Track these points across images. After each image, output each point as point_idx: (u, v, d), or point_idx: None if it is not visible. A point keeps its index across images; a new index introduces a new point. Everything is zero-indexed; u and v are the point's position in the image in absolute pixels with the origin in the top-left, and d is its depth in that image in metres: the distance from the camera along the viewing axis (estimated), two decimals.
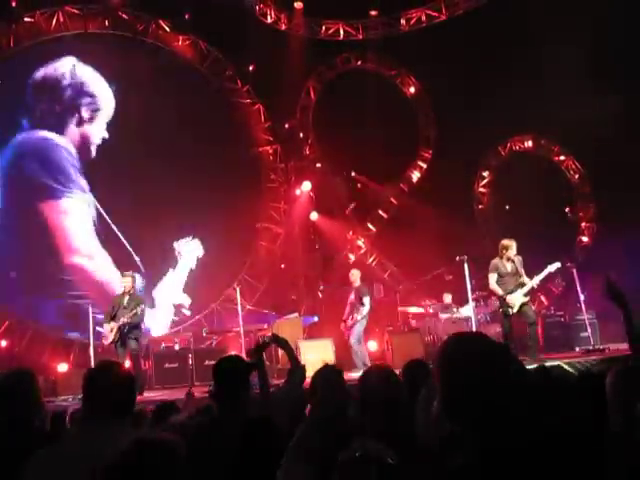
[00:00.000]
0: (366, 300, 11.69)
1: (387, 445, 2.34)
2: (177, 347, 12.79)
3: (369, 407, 3.15)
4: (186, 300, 14.44)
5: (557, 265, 10.48)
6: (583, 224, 16.90)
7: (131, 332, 10.24)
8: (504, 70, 14.96)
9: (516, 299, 9.93)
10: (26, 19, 13.61)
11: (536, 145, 17.33)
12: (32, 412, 3.59)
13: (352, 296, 11.91)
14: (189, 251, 14.60)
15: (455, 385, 1.93)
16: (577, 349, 11.94)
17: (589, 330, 11.56)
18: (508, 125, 16.26)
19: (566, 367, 9.40)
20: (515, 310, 9.94)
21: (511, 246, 10.15)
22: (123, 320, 10.12)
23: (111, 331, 10.20)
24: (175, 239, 14.35)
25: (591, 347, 11.29)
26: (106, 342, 10.41)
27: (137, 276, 10.84)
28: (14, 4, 13.38)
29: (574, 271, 11.87)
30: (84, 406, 3.05)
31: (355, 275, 12.04)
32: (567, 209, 15.33)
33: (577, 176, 17.11)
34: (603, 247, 15.51)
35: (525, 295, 9.99)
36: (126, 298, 10.41)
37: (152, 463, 2.19)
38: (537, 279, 10.28)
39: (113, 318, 10.26)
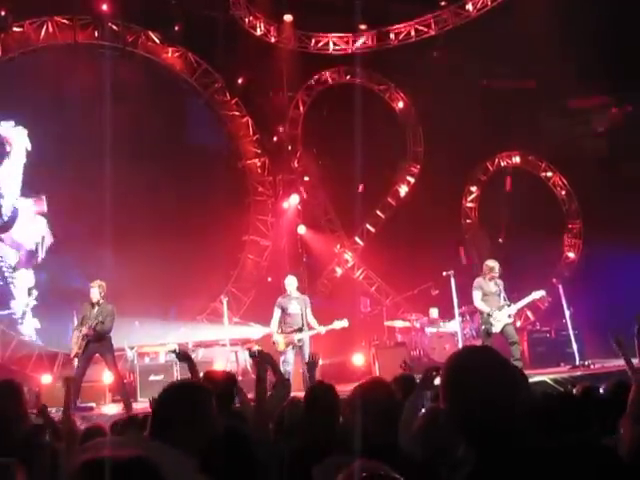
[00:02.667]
0: (310, 312, 10.54)
1: (383, 458, 2.35)
2: (162, 359, 12.70)
3: (370, 420, 3.16)
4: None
5: (542, 293, 10.83)
6: (569, 240, 16.99)
7: (100, 345, 9.94)
8: (491, 85, 15.12)
9: (500, 319, 10.11)
10: (15, 29, 13.56)
11: (523, 161, 17.42)
12: (15, 425, 3.55)
13: (292, 307, 10.53)
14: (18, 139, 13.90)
15: (464, 399, 1.94)
16: (563, 365, 11.96)
17: (575, 346, 11.59)
18: (496, 140, 16.39)
19: (551, 383, 9.43)
20: (497, 330, 10.12)
21: (495, 267, 10.40)
22: (85, 330, 9.82)
23: (75, 343, 9.95)
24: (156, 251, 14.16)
25: (577, 363, 11.33)
26: (71, 355, 10.20)
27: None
28: (3, 13, 13.34)
29: (560, 287, 11.93)
30: None
31: (293, 284, 10.77)
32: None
33: (564, 192, 17.20)
34: (589, 263, 15.64)
35: (509, 316, 10.20)
36: (95, 309, 10.03)
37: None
38: (520, 304, 10.58)
39: (80, 330, 9.95)
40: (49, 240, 13.86)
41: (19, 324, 13.30)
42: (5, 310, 13.18)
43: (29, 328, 13.39)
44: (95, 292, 10.16)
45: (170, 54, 15.21)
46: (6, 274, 13.40)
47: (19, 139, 13.82)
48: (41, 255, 13.78)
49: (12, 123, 13.75)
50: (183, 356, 5.04)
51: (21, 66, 13.75)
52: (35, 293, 13.48)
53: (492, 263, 10.51)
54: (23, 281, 13.58)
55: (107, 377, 10.77)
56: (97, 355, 10.21)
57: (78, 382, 9.92)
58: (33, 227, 13.87)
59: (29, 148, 13.88)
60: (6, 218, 13.52)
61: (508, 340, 10.10)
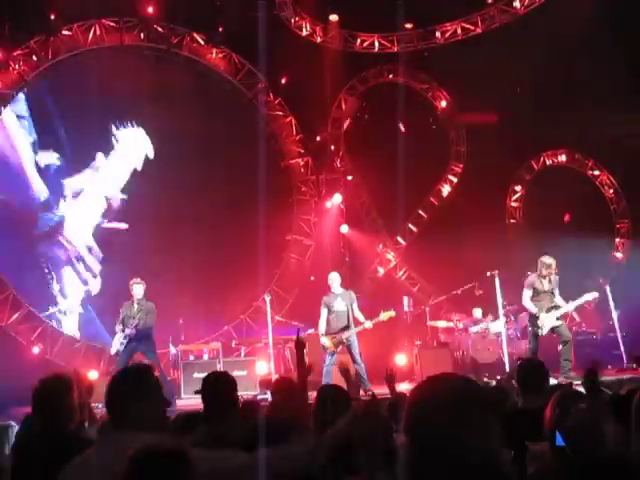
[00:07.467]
0: (356, 307, 10.47)
1: None
2: (206, 357, 12.84)
3: None
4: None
5: (595, 295, 10.35)
6: (617, 240, 16.69)
7: (142, 343, 10.17)
8: (537, 84, 14.91)
9: (548, 321, 9.82)
10: (64, 32, 13.84)
11: (570, 159, 17.16)
12: (68, 420, 3.63)
13: (337, 304, 10.42)
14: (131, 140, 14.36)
15: (429, 434, 1.80)
16: (610, 367, 11.74)
17: (622, 348, 11.38)
18: (541, 139, 16.17)
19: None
20: (544, 332, 9.84)
21: (552, 265, 9.91)
22: (128, 331, 10.04)
23: (118, 341, 10.17)
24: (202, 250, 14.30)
25: (625, 365, 11.12)
26: (112, 352, 10.45)
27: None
28: (53, 17, 13.62)
29: (607, 287, 11.72)
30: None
31: (336, 279, 10.63)
32: None
33: (611, 191, 16.91)
34: (637, 263, 15.33)
35: (557, 319, 9.89)
36: (136, 307, 10.26)
37: (157, 470, 2.21)
38: (572, 305, 10.14)
39: (122, 329, 10.19)
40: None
41: (61, 322, 13.59)
42: (49, 308, 13.43)
43: (71, 326, 13.68)
44: (140, 289, 10.38)
45: (214, 55, 15.34)
46: (52, 271, 13.63)
47: (133, 142, 14.33)
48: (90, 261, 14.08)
49: (141, 131, 14.42)
50: (300, 344, 4.63)
51: (69, 68, 14.02)
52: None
53: (549, 260, 9.93)
54: (72, 277, 13.85)
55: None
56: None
57: None
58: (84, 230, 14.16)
59: (150, 155, 14.39)
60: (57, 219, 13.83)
61: (560, 339, 9.86)
